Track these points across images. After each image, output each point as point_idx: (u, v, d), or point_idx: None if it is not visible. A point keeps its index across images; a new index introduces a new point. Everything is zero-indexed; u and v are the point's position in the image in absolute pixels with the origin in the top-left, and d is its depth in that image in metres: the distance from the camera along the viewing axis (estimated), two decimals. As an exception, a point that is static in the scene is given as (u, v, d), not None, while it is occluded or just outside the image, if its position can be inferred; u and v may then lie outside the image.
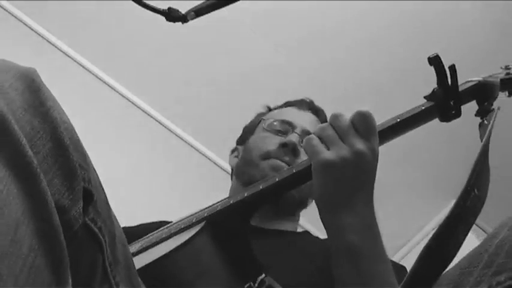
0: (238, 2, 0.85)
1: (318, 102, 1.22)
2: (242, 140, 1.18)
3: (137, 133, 2.37)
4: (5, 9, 2.21)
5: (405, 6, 2.14)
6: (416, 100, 0.81)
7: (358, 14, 2.19)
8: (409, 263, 0.90)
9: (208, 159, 2.44)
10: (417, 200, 2.63)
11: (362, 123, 0.72)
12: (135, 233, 0.94)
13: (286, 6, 2.14)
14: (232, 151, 1.19)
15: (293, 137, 1.04)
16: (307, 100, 1.20)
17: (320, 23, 2.23)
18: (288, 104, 1.20)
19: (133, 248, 0.82)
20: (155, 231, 0.88)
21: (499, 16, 2.11)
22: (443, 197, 2.59)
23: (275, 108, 1.22)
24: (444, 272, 0.45)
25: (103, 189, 0.55)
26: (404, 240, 2.59)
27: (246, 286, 0.71)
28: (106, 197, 0.56)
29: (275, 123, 1.10)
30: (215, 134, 2.32)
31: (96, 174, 0.53)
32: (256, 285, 0.71)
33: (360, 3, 2.13)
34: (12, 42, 2.17)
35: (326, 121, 1.17)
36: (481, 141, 0.69)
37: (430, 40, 2.13)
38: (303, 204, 1.07)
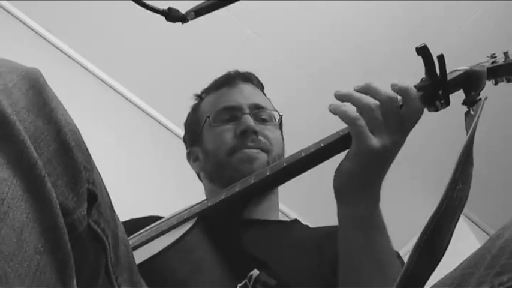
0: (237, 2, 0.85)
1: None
2: (193, 141, 1.11)
3: (130, 128, 2.37)
4: (5, 9, 2.21)
5: None
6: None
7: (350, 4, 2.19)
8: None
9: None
10: (417, 200, 2.63)
11: (410, 112, 0.72)
12: (126, 228, 0.93)
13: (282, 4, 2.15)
14: (188, 155, 1.13)
15: (247, 120, 0.99)
16: (233, 73, 1.13)
17: (319, 22, 2.23)
18: (217, 86, 1.12)
19: None
20: (146, 228, 0.87)
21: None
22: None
23: (206, 93, 1.15)
24: (447, 273, 0.45)
25: (106, 191, 0.55)
26: (404, 240, 2.59)
27: (241, 284, 0.71)
28: (109, 199, 0.55)
29: (220, 114, 1.04)
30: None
31: (100, 176, 0.53)
32: (251, 282, 0.71)
33: None
34: (12, 42, 2.17)
35: (260, 85, 1.14)
36: (467, 132, 0.69)
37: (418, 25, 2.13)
38: None
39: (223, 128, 1.02)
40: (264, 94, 1.15)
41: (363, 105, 0.71)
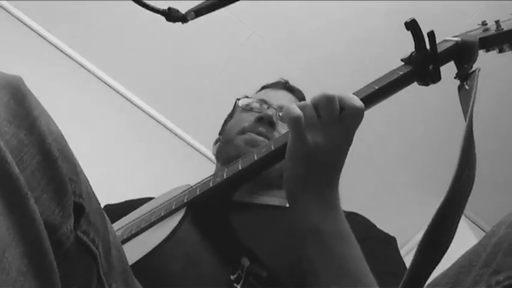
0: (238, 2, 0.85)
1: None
2: (222, 129, 1.18)
3: (130, 127, 2.38)
4: (5, 9, 2.21)
5: None
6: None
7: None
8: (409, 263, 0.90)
9: (190, 145, 2.46)
10: (417, 200, 2.63)
11: (349, 111, 0.68)
12: (121, 209, 0.94)
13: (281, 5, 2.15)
14: (216, 142, 1.19)
15: (269, 111, 1.04)
16: (283, 80, 1.20)
17: (313, 20, 2.23)
18: (263, 88, 1.21)
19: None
20: (135, 219, 0.86)
21: None
22: (443, 197, 2.59)
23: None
24: (443, 270, 0.45)
25: (94, 195, 0.53)
26: (404, 240, 2.59)
27: (235, 276, 0.71)
28: (98, 204, 0.54)
29: (251, 102, 1.10)
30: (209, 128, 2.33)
31: (87, 181, 0.51)
32: (243, 274, 0.71)
33: None
34: (12, 42, 2.17)
35: (303, 99, 1.17)
36: (461, 105, 0.66)
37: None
38: None
39: (246, 113, 1.08)
40: None
41: (298, 104, 0.70)
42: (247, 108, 1.09)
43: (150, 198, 1.00)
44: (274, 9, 2.17)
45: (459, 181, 0.50)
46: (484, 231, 2.41)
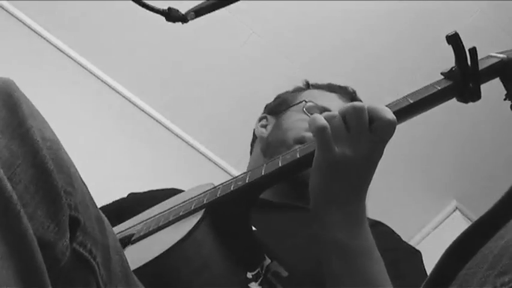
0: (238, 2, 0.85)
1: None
2: (274, 111, 1.14)
3: (131, 128, 2.38)
4: (5, 9, 2.21)
5: None
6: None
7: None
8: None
9: (190, 145, 2.45)
10: (417, 200, 2.63)
11: (380, 122, 0.67)
12: (144, 199, 0.94)
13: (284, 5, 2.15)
14: (260, 119, 1.16)
15: None
16: (351, 90, 1.16)
17: (320, 18, 2.23)
18: (330, 89, 1.16)
19: (133, 229, 0.81)
20: (154, 215, 0.86)
21: None
22: (443, 197, 2.59)
23: (314, 87, 1.19)
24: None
25: (92, 201, 0.51)
26: (404, 240, 2.59)
27: (254, 272, 0.70)
28: (97, 209, 0.52)
29: (315, 108, 1.06)
30: (209, 128, 2.33)
31: (84, 187, 0.50)
32: (262, 271, 0.70)
33: None
34: (12, 42, 2.17)
35: None
36: None
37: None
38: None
39: (306, 117, 1.04)
40: None
41: (326, 114, 0.70)
42: (310, 113, 1.05)
43: (173, 189, 0.98)
44: (274, 9, 2.17)
45: (509, 198, 0.47)
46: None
